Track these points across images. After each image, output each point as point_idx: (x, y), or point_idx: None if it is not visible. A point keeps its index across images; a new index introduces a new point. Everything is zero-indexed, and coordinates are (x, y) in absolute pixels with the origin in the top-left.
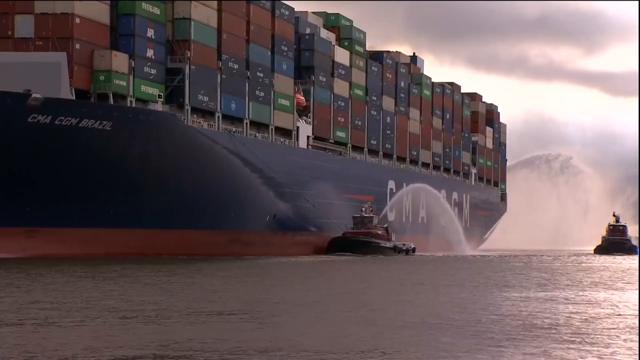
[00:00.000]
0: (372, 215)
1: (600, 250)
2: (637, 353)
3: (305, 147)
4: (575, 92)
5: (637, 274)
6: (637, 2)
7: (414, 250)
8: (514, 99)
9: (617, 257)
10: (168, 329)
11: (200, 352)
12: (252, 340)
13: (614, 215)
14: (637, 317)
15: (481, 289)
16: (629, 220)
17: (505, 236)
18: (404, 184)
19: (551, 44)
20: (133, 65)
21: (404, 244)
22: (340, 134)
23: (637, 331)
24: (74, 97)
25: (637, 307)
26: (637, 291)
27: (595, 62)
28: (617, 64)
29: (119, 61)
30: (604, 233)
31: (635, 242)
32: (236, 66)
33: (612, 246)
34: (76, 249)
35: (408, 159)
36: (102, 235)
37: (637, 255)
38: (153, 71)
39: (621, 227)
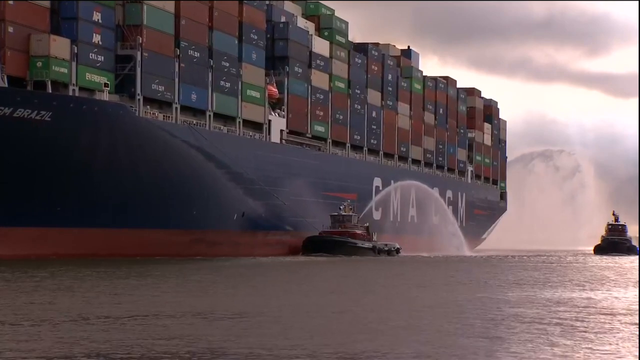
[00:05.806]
0: (351, 213)
1: (600, 250)
2: (637, 353)
3: (279, 141)
4: (576, 94)
5: (638, 273)
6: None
7: (398, 250)
8: (515, 100)
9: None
10: None
11: None
12: None
13: (613, 215)
14: (638, 316)
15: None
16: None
17: (505, 236)
18: (392, 181)
19: (555, 46)
20: (76, 51)
21: (386, 244)
22: (319, 129)
23: (638, 331)
24: (6, 85)
25: (637, 306)
26: (637, 291)
27: (596, 64)
28: (618, 66)
29: (59, 46)
30: (603, 232)
31: (635, 242)
32: (197, 54)
33: (611, 246)
34: (20, 249)
35: (396, 156)
36: (48, 235)
37: (637, 256)
38: (100, 58)
39: (620, 227)
